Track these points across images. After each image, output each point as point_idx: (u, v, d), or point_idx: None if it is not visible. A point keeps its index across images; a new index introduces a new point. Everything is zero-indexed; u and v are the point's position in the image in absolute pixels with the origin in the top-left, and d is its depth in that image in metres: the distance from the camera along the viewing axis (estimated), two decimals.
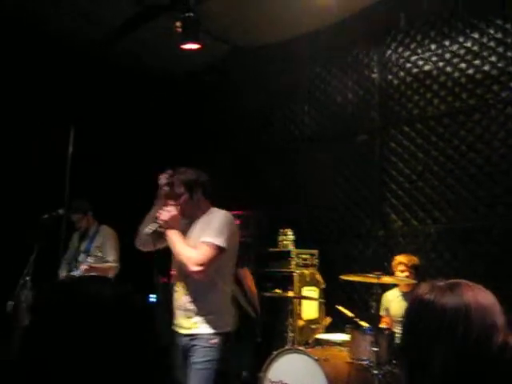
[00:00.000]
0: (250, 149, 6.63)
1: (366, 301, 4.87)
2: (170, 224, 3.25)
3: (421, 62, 5.72)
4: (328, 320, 5.42)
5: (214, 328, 3.22)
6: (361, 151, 6.07)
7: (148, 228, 3.31)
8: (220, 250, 3.13)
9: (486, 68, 5.24)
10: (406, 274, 4.80)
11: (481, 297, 1.35)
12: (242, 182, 6.53)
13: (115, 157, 6.75)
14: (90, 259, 5.13)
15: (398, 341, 4.34)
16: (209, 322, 3.23)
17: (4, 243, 5.79)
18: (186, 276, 3.27)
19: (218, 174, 6.44)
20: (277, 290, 5.94)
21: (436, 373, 1.28)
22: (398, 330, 4.70)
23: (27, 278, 4.58)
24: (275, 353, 4.54)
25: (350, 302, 5.44)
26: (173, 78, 7.31)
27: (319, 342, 4.85)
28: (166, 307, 3.56)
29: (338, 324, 5.07)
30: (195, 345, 3.22)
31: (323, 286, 5.90)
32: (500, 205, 5.06)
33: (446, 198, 5.43)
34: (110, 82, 6.81)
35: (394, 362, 4.14)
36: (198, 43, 5.67)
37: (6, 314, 4.62)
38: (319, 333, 5.35)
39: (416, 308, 1.39)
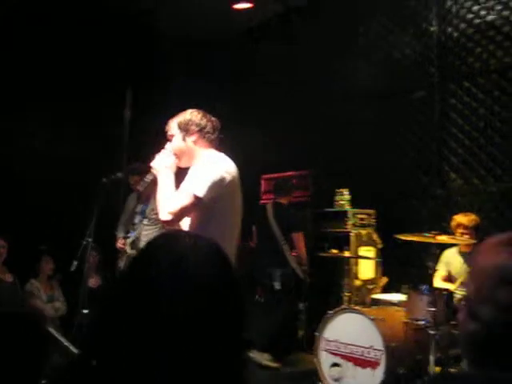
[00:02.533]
0: (304, 108, 6.54)
1: (424, 261, 4.79)
2: (158, 169, 2.95)
3: (483, 12, 5.43)
4: (384, 280, 5.39)
5: None
6: (419, 108, 5.88)
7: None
8: (195, 199, 2.72)
9: None
10: (467, 236, 4.66)
11: None
12: (297, 141, 6.48)
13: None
14: (145, 221, 5.24)
15: (456, 299, 4.28)
16: None
17: (67, 207, 6.03)
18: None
19: (274, 134, 6.49)
20: (333, 250, 5.94)
21: None
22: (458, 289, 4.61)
23: (89, 239, 4.74)
24: (331, 312, 4.56)
25: (407, 262, 5.38)
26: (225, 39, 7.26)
27: (375, 302, 4.84)
28: None
29: (395, 284, 5.03)
30: None
31: (380, 245, 5.84)
32: None
33: (509, 156, 5.22)
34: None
35: (451, 322, 4.08)
36: (251, 2, 5.62)
37: (71, 273, 4.84)
38: (376, 293, 5.33)
39: None
